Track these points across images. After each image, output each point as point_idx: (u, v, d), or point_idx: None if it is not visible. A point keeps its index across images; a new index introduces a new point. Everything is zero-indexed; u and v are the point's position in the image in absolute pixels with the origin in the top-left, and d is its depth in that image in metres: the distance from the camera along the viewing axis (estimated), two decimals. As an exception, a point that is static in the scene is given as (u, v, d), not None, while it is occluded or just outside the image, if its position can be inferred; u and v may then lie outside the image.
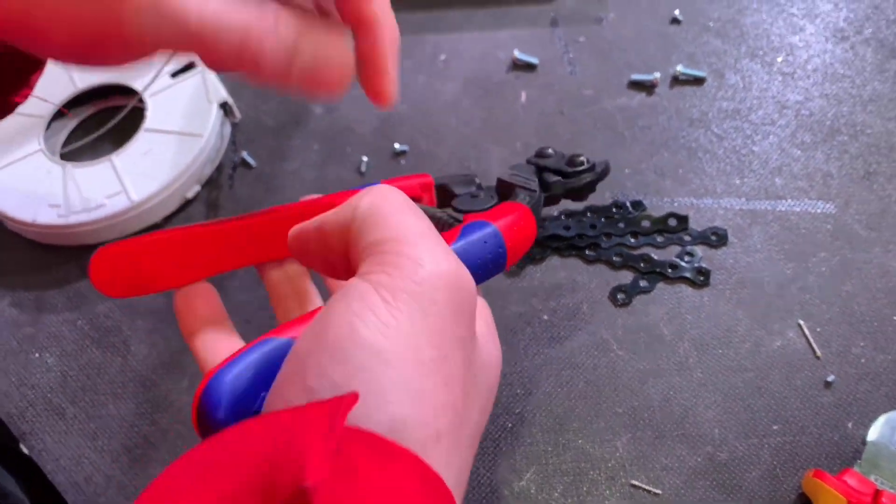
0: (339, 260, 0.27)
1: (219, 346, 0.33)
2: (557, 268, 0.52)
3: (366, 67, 0.29)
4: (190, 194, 0.57)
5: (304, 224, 0.29)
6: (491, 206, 0.37)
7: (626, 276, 0.51)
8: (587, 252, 0.52)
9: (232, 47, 0.25)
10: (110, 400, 0.49)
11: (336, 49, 0.27)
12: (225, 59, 0.26)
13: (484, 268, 0.32)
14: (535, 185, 0.40)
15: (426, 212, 0.36)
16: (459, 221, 0.36)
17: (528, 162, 0.44)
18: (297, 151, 0.59)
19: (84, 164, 0.56)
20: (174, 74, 0.60)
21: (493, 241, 0.32)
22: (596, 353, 0.48)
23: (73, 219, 0.53)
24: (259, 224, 0.37)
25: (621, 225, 0.52)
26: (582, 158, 0.43)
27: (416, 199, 0.39)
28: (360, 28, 0.29)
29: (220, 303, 0.36)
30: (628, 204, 0.54)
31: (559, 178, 0.42)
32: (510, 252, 0.33)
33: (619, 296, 0.50)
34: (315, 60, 0.27)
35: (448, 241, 0.31)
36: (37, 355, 0.52)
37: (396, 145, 0.58)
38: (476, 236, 0.32)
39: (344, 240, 0.27)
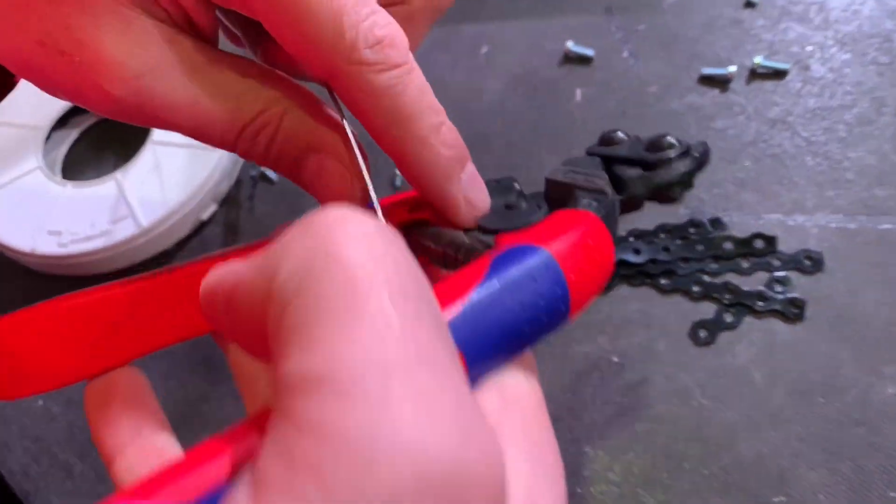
0: (258, 341, 0.17)
1: (142, 460, 0.26)
2: (627, 299, 0.45)
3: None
4: (205, 215, 0.51)
5: (216, 279, 0.20)
6: (538, 220, 0.27)
7: (708, 309, 0.44)
8: (661, 280, 0.45)
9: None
10: (122, 457, 0.44)
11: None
12: None
13: (533, 324, 0.22)
14: (603, 183, 0.30)
15: (434, 236, 0.29)
16: (490, 246, 0.27)
17: (590, 153, 0.34)
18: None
19: (86, 183, 0.50)
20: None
21: (545, 276, 0.22)
22: (676, 401, 0.41)
23: (75, 248, 0.47)
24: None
25: (700, 247, 0.46)
26: (670, 139, 0.32)
27: (419, 222, 0.30)
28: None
29: (147, 397, 0.28)
30: (706, 222, 0.47)
31: (639, 170, 0.32)
32: (575, 291, 0.23)
33: (701, 333, 0.43)
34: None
35: (468, 282, 0.21)
36: (40, 403, 0.46)
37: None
38: (516, 272, 0.22)
39: (261, 324, 0.17)
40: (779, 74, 0.52)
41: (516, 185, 0.32)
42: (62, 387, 0.27)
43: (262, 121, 0.27)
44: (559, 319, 0.23)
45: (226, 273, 0.19)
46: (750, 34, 0.54)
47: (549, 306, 0.22)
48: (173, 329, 0.28)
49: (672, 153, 0.32)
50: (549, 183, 0.32)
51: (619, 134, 0.34)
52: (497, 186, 0.33)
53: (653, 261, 0.45)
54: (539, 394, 0.22)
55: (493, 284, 0.21)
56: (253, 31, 0.31)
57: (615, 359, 0.43)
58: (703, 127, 0.51)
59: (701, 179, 0.48)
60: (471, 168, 0.29)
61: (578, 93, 0.54)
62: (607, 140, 0.34)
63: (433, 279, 0.30)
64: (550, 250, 0.23)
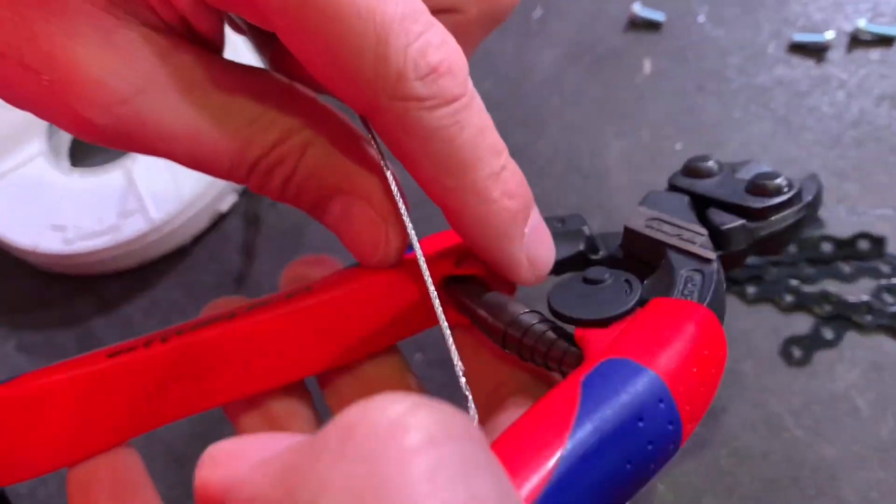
0: None
1: None
2: (706, 310, 0.39)
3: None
4: (225, 207, 0.45)
5: (216, 482, 0.16)
6: (630, 309, 0.22)
7: (803, 323, 0.38)
8: (747, 288, 0.39)
9: None
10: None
11: None
12: None
13: (636, 477, 0.18)
14: (704, 242, 0.25)
15: (492, 307, 0.23)
16: (568, 345, 0.21)
17: (674, 187, 0.29)
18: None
19: (93, 171, 0.45)
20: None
21: (655, 412, 0.18)
22: (766, 432, 0.35)
23: (81, 245, 0.42)
24: (205, 343, 0.23)
25: (793, 249, 0.39)
26: (780, 181, 0.27)
27: (467, 278, 0.25)
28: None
29: (141, 486, 0.24)
30: (800, 219, 0.40)
31: (739, 219, 0.26)
32: (686, 422, 0.19)
33: (794, 350, 0.37)
34: None
35: (554, 428, 0.17)
36: (47, 417, 0.42)
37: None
38: (619, 409, 0.17)
39: None
40: (886, 41, 0.44)
41: (586, 230, 0.27)
42: (42, 475, 0.22)
43: (278, 154, 0.22)
44: (664, 462, 0.18)
45: (230, 479, 0.15)
46: (850, -7, 0.47)
47: (658, 450, 0.18)
48: (174, 404, 0.23)
49: (781, 198, 0.26)
50: (631, 235, 0.26)
51: (710, 164, 0.29)
52: (562, 229, 0.27)
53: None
54: None
55: (588, 435, 0.17)
56: (268, 35, 0.25)
57: (693, 381, 0.37)
58: (795, 106, 0.43)
59: (793, 169, 0.41)
60: (535, 218, 0.24)
61: (647, 64, 0.47)
62: (694, 171, 0.29)
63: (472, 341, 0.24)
64: (660, 372, 0.18)
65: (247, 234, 0.45)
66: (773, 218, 0.27)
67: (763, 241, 0.27)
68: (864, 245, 0.39)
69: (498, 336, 0.23)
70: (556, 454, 0.16)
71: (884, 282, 0.38)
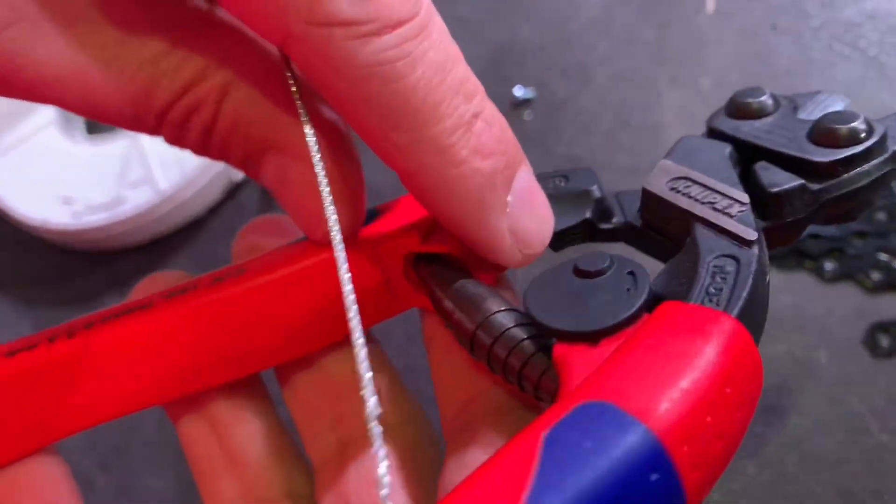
0: None
1: None
2: (776, 289, 0.33)
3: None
4: (238, 176, 0.42)
5: None
6: (629, 318, 0.16)
7: (892, 305, 0.32)
8: (825, 264, 0.33)
9: None
10: (147, 469, 0.38)
11: None
12: None
13: None
14: (743, 217, 0.19)
15: (463, 301, 0.18)
16: (545, 358, 0.17)
17: (714, 132, 0.22)
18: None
19: (103, 139, 0.42)
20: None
21: (643, 489, 0.13)
22: (843, 435, 0.30)
23: (89, 220, 0.40)
24: (115, 339, 0.20)
25: (882, 216, 0.33)
26: (857, 125, 0.20)
27: (437, 258, 0.20)
28: None
29: (64, 496, 0.20)
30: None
31: (796, 177, 0.20)
32: (695, 487, 0.13)
33: (882, 339, 0.31)
34: None
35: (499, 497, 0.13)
36: (62, 400, 0.40)
37: (517, 90, 0.40)
38: (584, 489, 0.12)
39: None
40: None
41: (595, 190, 0.22)
42: None
43: (191, 100, 0.17)
44: None
45: None
46: None
47: None
48: (84, 408, 0.20)
49: (855, 149, 0.19)
50: (650, 200, 0.20)
51: (763, 98, 0.22)
52: (564, 189, 0.22)
53: (813, 236, 0.33)
54: None
55: None
56: None
57: (756, 372, 0.32)
58: (890, 44, 0.37)
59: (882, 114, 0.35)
60: (524, 179, 0.19)
61: (710, 1, 0.40)
62: (741, 109, 0.22)
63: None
64: (655, 427, 0.13)
65: (262, 203, 0.42)
66: (845, 176, 0.20)
67: (831, 206, 0.20)
68: (972, 211, 0.32)
69: (466, 339, 0.18)
70: None
71: None
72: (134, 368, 0.20)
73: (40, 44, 0.16)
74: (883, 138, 0.20)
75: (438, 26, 0.17)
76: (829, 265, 0.33)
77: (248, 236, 0.23)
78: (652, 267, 0.19)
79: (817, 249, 0.33)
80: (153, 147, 0.41)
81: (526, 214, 0.19)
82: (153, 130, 0.18)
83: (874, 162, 0.20)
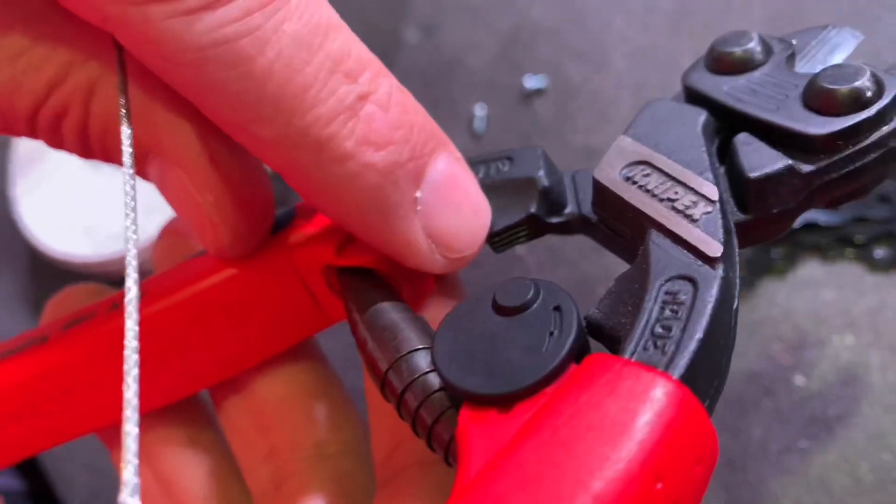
0: None
1: None
2: (817, 282, 0.29)
3: None
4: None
5: None
6: (546, 378, 0.13)
7: (957, 296, 0.28)
8: (875, 251, 0.29)
9: None
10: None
11: None
12: None
13: None
14: (709, 215, 0.15)
15: (379, 333, 0.16)
16: (451, 429, 0.14)
17: (689, 91, 0.18)
18: (390, 105, 0.40)
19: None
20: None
21: None
22: (902, 449, 0.26)
23: (107, 248, 0.40)
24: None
25: (941, 193, 0.29)
26: (861, 84, 0.16)
27: (360, 272, 0.18)
28: None
29: None
30: (954, 149, 0.29)
31: (783, 157, 0.16)
32: None
33: (945, 336, 0.27)
34: None
35: None
36: (101, 427, 0.41)
37: (527, 81, 0.37)
38: None
39: None
40: None
41: (542, 178, 0.18)
42: None
43: (57, 101, 0.15)
44: None
45: None
46: None
47: None
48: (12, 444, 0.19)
49: (864, 115, 0.15)
50: (600, 191, 0.17)
51: (750, 46, 0.18)
52: (507, 175, 0.19)
53: (860, 219, 0.29)
54: None
55: None
56: None
57: (798, 379, 0.28)
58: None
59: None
60: (442, 168, 0.16)
61: (736, -42, 0.36)
62: (722, 60, 0.18)
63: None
64: None
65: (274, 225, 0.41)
66: (847, 152, 0.16)
67: (831, 190, 0.16)
68: None
69: (377, 379, 0.16)
70: None
71: None
72: (38, 407, 0.19)
73: None
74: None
75: None
76: (879, 252, 0.29)
77: (165, 238, 0.22)
78: (617, 267, 0.17)
79: (865, 235, 0.29)
80: (164, 172, 0.40)
81: (445, 212, 0.16)
82: (30, 135, 0.16)
83: (885, 130, 0.16)
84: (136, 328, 0.13)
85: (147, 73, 0.15)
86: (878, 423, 0.27)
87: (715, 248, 0.15)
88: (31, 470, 0.45)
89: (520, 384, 0.13)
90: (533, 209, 0.18)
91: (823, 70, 0.17)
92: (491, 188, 0.18)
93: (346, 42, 0.14)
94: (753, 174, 0.16)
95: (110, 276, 0.42)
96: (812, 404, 0.28)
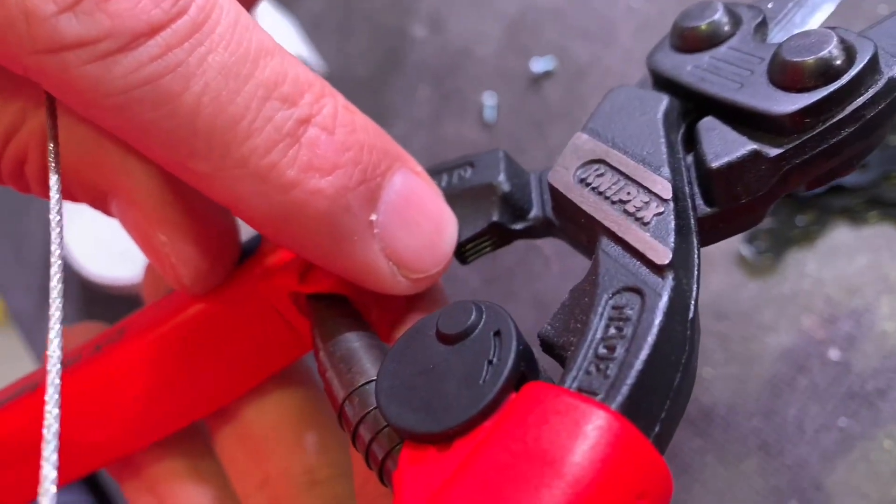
0: None
1: None
2: (849, 248, 0.27)
3: None
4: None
5: None
6: (482, 413, 0.13)
7: None
8: (909, 210, 0.27)
9: None
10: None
11: None
12: None
13: None
14: (661, 215, 0.14)
15: (338, 363, 0.16)
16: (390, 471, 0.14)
17: (654, 74, 0.17)
18: (400, 105, 0.40)
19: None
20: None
21: None
22: (952, 421, 0.24)
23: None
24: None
25: (980, 140, 0.26)
26: (827, 53, 0.14)
27: (328, 298, 0.17)
28: None
29: None
30: None
31: (749, 141, 0.15)
32: None
33: None
34: None
35: None
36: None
37: (534, 64, 0.36)
38: None
39: None
40: None
41: (502, 184, 0.17)
42: None
43: (15, 151, 0.16)
44: None
45: None
46: None
47: None
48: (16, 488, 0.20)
49: (834, 86, 0.14)
50: (555, 195, 0.17)
51: (716, 18, 0.17)
52: (469, 182, 0.18)
53: (889, 177, 0.27)
54: None
55: None
56: None
57: (834, 354, 0.27)
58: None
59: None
60: (399, 187, 0.16)
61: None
62: (687, 37, 0.17)
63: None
64: None
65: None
66: (818, 129, 0.14)
67: (807, 170, 0.15)
68: None
69: (335, 409, 0.15)
70: None
71: None
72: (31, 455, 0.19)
73: None
74: (871, 63, 0.14)
75: (228, 17, 0.13)
76: (916, 211, 0.27)
77: (149, 273, 0.22)
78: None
79: (894, 194, 0.27)
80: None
81: (405, 231, 0.16)
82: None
83: (860, 101, 0.14)
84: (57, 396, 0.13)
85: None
86: (924, 394, 0.25)
87: (663, 255, 0.14)
88: (95, 485, 0.47)
89: (455, 421, 0.13)
90: (495, 217, 0.17)
91: (787, 41, 0.15)
92: (453, 197, 0.17)
93: (279, 66, 0.14)
94: (716, 164, 0.15)
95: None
96: (850, 379, 0.26)
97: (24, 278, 0.53)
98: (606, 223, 0.15)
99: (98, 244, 0.44)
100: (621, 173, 0.16)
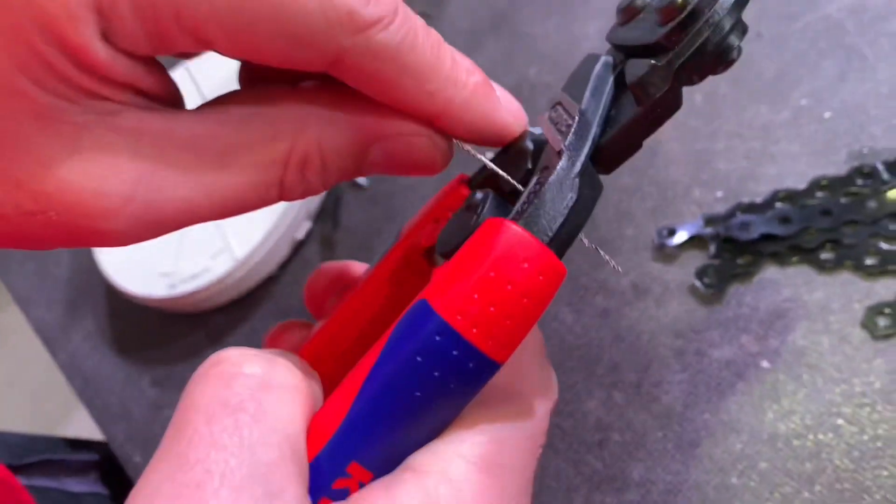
0: None
1: None
2: (777, 284, 0.36)
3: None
4: (301, 234, 0.48)
5: None
6: (464, 237, 0.21)
7: (889, 288, 0.34)
8: (822, 255, 0.35)
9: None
10: None
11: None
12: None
13: (440, 395, 0.20)
14: (572, 128, 0.22)
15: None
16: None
17: (614, 45, 0.25)
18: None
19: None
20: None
21: (432, 346, 0.19)
22: (850, 416, 0.32)
23: (182, 289, 0.47)
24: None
25: (872, 204, 0.35)
26: None
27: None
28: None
29: None
30: (881, 168, 0.35)
31: (649, 61, 0.22)
32: (489, 341, 0.19)
33: (880, 321, 0.33)
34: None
35: (362, 369, 0.21)
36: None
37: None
38: (394, 351, 0.20)
39: None
40: (982, -64, 0.38)
41: (528, 144, 0.25)
42: None
43: (297, 160, 0.22)
44: (476, 377, 0.20)
45: None
46: None
47: (451, 375, 0.19)
48: None
49: (689, 8, 0.21)
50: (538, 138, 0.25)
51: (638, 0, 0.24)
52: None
53: (807, 230, 0.35)
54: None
55: (378, 375, 0.20)
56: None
57: (765, 364, 0.34)
58: (872, 34, 0.38)
59: (871, 107, 0.37)
60: (494, 85, 0.25)
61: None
62: (624, 14, 0.24)
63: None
64: (439, 308, 0.19)
65: (323, 257, 0.48)
66: (685, 39, 0.21)
67: (695, 64, 0.21)
68: (960, 189, 0.34)
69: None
70: (355, 394, 0.20)
71: None
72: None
73: (168, 183, 0.21)
74: None
75: (406, 9, 0.22)
76: (826, 255, 0.35)
77: (314, 285, 0.30)
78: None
79: (813, 242, 0.35)
80: (226, 222, 0.47)
81: (508, 102, 0.24)
82: (276, 199, 0.23)
83: (710, 17, 0.21)
84: None
85: (341, 98, 0.23)
86: (831, 394, 0.33)
87: (559, 145, 0.22)
88: (113, 476, 0.52)
89: (451, 243, 0.22)
90: (529, 166, 0.25)
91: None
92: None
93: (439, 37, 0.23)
94: (630, 81, 0.22)
95: (183, 308, 0.49)
96: (777, 385, 0.34)
97: (48, 292, 0.57)
98: (549, 139, 0.23)
99: (137, 266, 0.49)
100: (563, 107, 0.24)
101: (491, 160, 0.25)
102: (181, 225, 0.21)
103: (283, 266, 0.49)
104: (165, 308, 0.50)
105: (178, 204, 0.21)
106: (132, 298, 0.50)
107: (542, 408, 0.23)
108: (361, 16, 0.19)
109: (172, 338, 0.50)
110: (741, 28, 0.21)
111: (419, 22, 0.21)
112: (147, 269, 0.49)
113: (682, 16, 0.21)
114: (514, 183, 0.24)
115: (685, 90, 0.22)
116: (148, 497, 0.18)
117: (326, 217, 0.48)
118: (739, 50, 0.22)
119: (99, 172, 0.19)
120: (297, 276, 0.48)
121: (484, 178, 0.26)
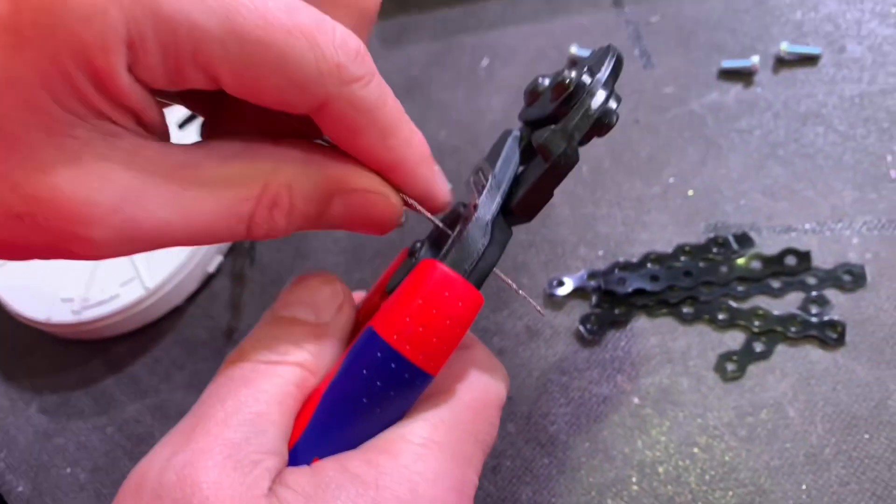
0: None
1: None
2: (646, 332, 0.42)
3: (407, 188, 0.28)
4: (212, 268, 0.50)
5: None
6: (403, 278, 0.27)
7: (736, 339, 0.40)
8: (683, 309, 0.42)
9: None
10: None
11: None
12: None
13: (381, 400, 0.24)
14: (485, 189, 0.27)
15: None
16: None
17: (524, 122, 0.31)
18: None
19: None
20: (182, 125, 0.52)
21: (373, 361, 0.24)
22: (703, 445, 0.38)
23: (88, 314, 0.47)
24: None
25: (724, 269, 0.42)
26: (566, 73, 0.27)
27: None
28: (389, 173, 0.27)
29: None
30: (731, 239, 0.43)
31: (548, 128, 0.27)
32: (422, 355, 0.24)
33: (728, 366, 0.40)
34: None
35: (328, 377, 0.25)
36: (68, 470, 0.47)
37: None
38: (351, 366, 0.24)
39: None
40: (809, 60, 0.47)
41: (482, 174, 0.29)
42: None
43: (268, 199, 0.25)
44: (411, 385, 0.24)
45: None
46: (775, 16, 0.49)
47: (391, 383, 0.24)
48: None
49: (570, 90, 0.26)
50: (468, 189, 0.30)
51: (539, 82, 0.29)
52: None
53: (672, 287, 0.42)
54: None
55: (335, 385, 0.25)
56: (201, 104, 0.28)
57: (635, 400, 0.40)
58: (726, 129, 0.46)
59: (724, 189, 0.44)
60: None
61: (588, 101, 0.50)
62: (529, 97, 0.30)
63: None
64: (379, 330, 0.24)
65: (233, 291, 0.50)
66: (571, 109, 0.26)
67: (580, 129, 0.26)
68: (791, 260, 0.41)
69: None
70: (318, 400, 0.25)
71: (811, 294, 0.40)
72: None
73: (151, 202, 0.23)
74: (582, 74, 0.26)
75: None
76: (686, 310, 0.42)
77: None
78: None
79: (676, 298, 0.42)
80: (138, 250, 0.48)
81: (438, 170, 0.28)
82: (243, 236, 0.25)
83: (590, 89, 0.26)
84: None
85: (314, 147, 0.26)
86: (689, 426, 0.39)
87: (475, 201, 0.27)
88: None
89: (396, 283, 0.27)
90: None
91: (550, 79, 0.29)
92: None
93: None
94: (536, 143, 0.27)
95: (84, 335, 0.49)
96: (645, 417, 0.40)
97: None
98: (471, 195, 0.28)
99: (36, 290, 0.49)
100: (482, 172, 0.29)
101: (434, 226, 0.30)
102: (154, 245, 0.24)
103: (191, 298, 0.50)
104: (64, 334, 0.49)
105: (157, 223, 0.23)
106: (28, 322, 0.49)
107: (468, 395, 0.27)
108: (349, 70, 0.23)
109: (68, 365, 0.50)
110: (616, 98, 0.27)
111: (389, 89, 0.25)
112: (47, 294, 0.49)
113: (568, 91, 0.27)
114: (445, 228, 0.28)
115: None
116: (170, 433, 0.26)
117: (239, 252, 0.50)
118: (617, 116, 0.27)
119: (92, 183, 0.22)
120: (203, 309, 0.50)
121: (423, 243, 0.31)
